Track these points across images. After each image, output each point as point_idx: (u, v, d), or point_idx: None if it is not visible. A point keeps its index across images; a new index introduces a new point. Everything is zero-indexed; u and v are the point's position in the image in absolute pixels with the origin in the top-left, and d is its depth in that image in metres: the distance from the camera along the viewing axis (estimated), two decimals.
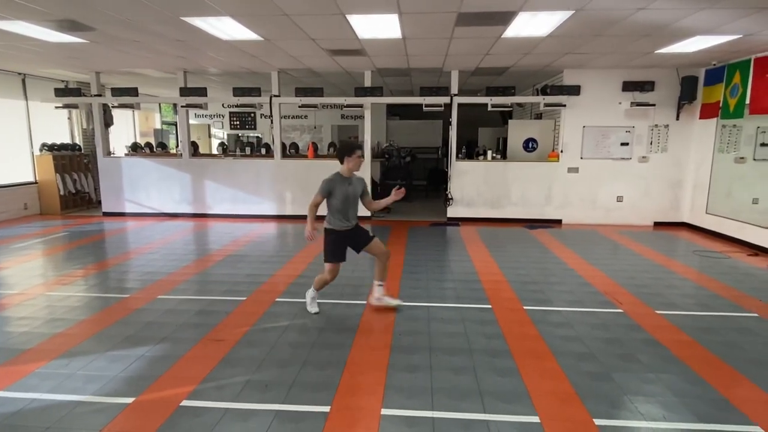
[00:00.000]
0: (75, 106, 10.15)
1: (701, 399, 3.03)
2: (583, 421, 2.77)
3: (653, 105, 8.69)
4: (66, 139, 11.04)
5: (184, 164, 9.86)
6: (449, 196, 9.45)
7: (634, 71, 8.68)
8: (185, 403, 2.94)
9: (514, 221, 9.36)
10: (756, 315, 4.51)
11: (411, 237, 8.05)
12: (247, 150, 10.78)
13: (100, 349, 3.69)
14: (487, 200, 9.43)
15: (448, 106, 9.10)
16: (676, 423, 2.77)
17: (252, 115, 14.39)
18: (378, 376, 3.28)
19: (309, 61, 8.17)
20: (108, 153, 10.14)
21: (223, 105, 14.23)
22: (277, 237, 8.24)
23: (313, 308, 4.46)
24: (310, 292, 4.49)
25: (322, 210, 4.18)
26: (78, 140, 11.33)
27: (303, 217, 9.47)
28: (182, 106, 9.65)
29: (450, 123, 9.24)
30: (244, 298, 4.87)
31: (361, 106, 9.30)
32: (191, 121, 11.69)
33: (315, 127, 15.19)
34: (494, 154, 9.73)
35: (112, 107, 10.09)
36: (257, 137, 15.21)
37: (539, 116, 10.50)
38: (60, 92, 9.67)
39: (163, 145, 11.63)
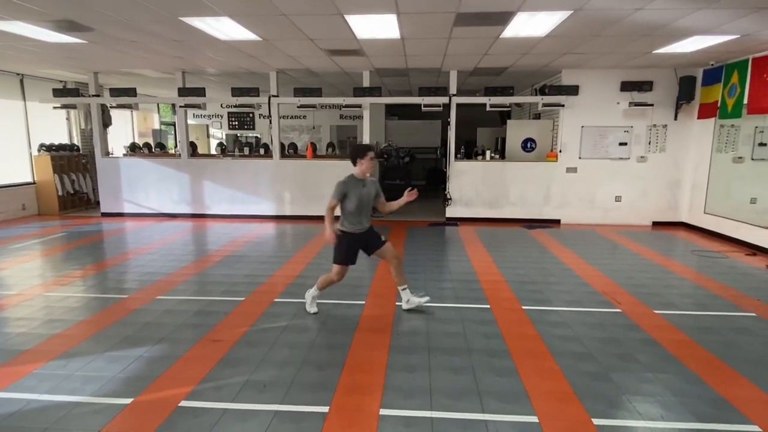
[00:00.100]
0: (73, 107, 10.15)
1: (699, 398, 3.03)
2: (581, 421, 2.78)
3: (651, 105, 8.71)
4: (64, 140, 11.04)
5: (183, 164, 9.85)
6: (448, 196, 9.46)
7: (632, 71, 8.69)
8: (184, 403, 2.94)
9: (513, 221, 9.36)
10: (754, 314, 4.52)
11: (409, 237, 8.05)
12: (246, 150, 10.81)
13: (99, 349, 3.69)
14: (486, 200, 9.43)
15: (447, 106, 9.10)
16: (675, 423, 2.78)
17: (251, 115, 14.37)
18: (377, 377, 3.28)
19: (307, 61, 8.17)
20: (106, 153, 10.12)
21: (221, 105, 14.20)
22: (276, 237, 8.23)
23: (312, 308, 4.45)
24: (312, 292, 4.47)
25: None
26: (76, 140, 11.31)
27: (302, 218, 9.62)
28: (181, 107, 9.65)
29: (449, 123, 9.24)
30: (243, 299, 4.86)
31: (359, 106, 9.31)
32: (190, 122, 11.67)
33: (314, 128, 15.20)
34: (493, 154, 9.73)
35: (111, 107, 10.07)
36: (256, 137, 15.21)
37: (538, 116, 10.51)
38: (58, 92, 9.65)
39: (161, 146, 11.63)
